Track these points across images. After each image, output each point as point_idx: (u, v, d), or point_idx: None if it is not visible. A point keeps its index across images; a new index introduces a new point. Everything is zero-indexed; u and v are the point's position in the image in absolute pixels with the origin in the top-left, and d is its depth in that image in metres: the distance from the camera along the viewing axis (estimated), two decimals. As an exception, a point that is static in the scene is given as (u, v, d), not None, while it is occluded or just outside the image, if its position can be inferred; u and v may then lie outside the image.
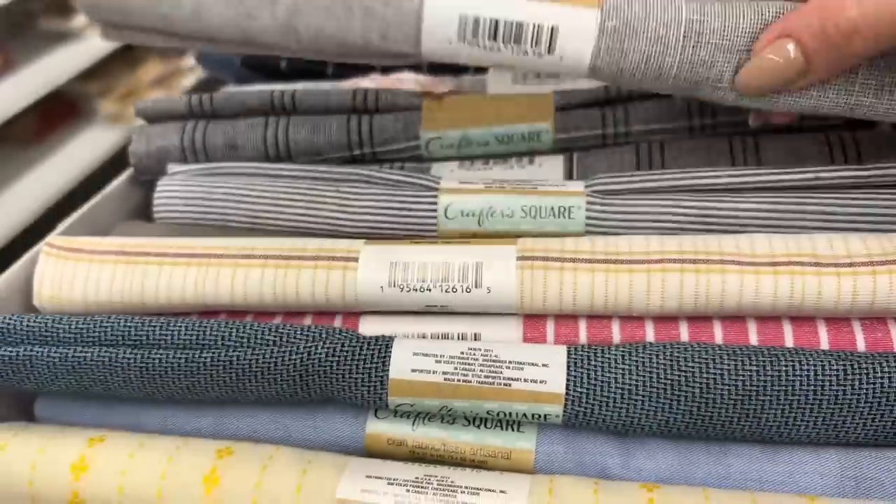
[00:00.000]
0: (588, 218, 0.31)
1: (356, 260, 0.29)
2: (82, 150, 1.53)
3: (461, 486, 0.25)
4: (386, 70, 0.42)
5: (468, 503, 0.24)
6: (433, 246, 0.29)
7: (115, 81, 1.63)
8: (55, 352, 0.27)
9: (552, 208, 0.31)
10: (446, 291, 0.28)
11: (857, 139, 0.32)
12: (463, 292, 0.28)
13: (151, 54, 1.73)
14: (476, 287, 0.28)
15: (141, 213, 0.38)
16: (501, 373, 0.26)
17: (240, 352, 0.27)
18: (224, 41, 0.27)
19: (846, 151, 0.32)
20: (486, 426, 0.27)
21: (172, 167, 0.36)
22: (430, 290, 0.28)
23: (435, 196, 0.32)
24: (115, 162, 1.51)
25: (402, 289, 0.28)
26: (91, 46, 1.47)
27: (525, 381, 0.26)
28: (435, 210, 0.32)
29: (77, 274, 0.30)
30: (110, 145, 1.58)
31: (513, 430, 0.27)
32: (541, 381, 0.26)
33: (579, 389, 0.25)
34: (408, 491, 0.25)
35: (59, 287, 0.30)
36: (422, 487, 0.25)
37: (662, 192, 0.31)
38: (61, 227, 0.34)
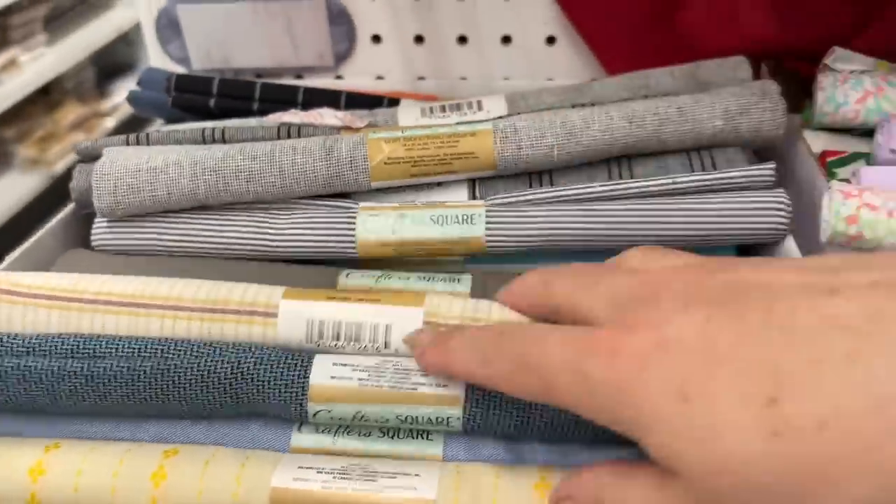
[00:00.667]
0: (487, 223, 0.36)
1: (275, 315, 0.31)
2: (1, 195, 1.51)
3: (381, 472, 0.28)
4: (306, 105, 0.46)
5: (388, 485, 0.28)
6: (346, 304, 0.31)
7: (33, 126, 1.61)
8: (6, 362, 0.30)
9: (457, 216, 0.36)
10: (358, 350, 0.31)
11: (713, 155, 0.38)
12: (373, 351, 0.31)
13: (69, 97, 1.72)
14: (385, 347, 0.30)
15: (83, 245, 0.41)
16: (410, 379, 0.29)
17: (177, 361, 0.30)
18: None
19: (703, 162, 0.38)
20: (398, 436, 0.30)
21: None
22: (343, 347, 0.31)
23: (354, 214, 0.37)
24: (35, 206, 1.50)
25: (318, 345, 0.31)
26: (6, 91, 1.45)
27: (430, 385, 0.29)
28: (354, 225, 0.36)
29: (13, 315, 0.32)
30: (29, 190, 1.56)
31: (423, 438, 0.30)
32: (443, 386, 0.29)
33: (476, 394, 0.29)
34: (335, 478, 0.28)
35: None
36: (347, 474, 0.28)
37: (548, 202, 0.37)
38: (6, 261, 0.37)
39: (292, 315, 0.31)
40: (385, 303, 0.31)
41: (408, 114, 0.44)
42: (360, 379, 0.29)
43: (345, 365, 0.30)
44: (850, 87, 0.40)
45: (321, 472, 0.29)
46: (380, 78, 0.56)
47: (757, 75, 0.46)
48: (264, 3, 0.52)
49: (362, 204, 0.37)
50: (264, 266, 0.36)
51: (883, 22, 0.42)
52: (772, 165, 0.36)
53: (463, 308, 0.31)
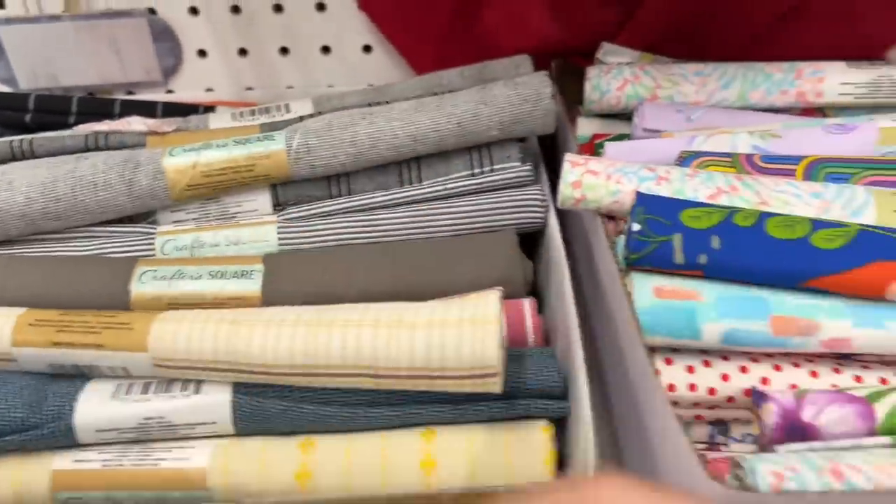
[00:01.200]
0: (280, 239, 0.39)
1: (15, 360, 0.32)
2: None
3: (158, 447, 0.31)
4: (122, 117, 0.47)
5: (163, 457, 0.31)
6: (71, 351, 0.32)
7: None
8: None
9: (251, 236, 0.39)
10: None
11: (492, 152, 0.42)
12: None
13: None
14: None
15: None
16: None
17: None
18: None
19: (482, 161, 0.42)
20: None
21: None
22: None
23: (152, 238, 0.39)
24: None
25: None
26: None
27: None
28: (153, 250, 0.39)
29: None
30: None
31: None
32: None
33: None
34: (115, 455, 0.31)
35: None
36: (125, 451, 0.31)
37: (336, 214, 0.40)
38: None
39: (30, 359, 0.32)
40: (108, 347, 0.31)
41: (219, 119, 0.47)
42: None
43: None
44: (611, 76, 0.45)
45: (102, 452, 0.31)
46: (209, 90, 0.58)
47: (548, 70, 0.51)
48: (86, 21, 0.54)
49: (160, 228, 0.40)
50: (55, 265, 0.37)
51: (637, 20, 0.47)
52: (529, 167, 0.41)
53: (187, 346, 0.31)
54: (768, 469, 0.25)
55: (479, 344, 0.28)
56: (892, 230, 0.31)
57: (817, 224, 0.31)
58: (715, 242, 0.30)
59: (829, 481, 0.25)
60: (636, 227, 0.31)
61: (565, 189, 0.34)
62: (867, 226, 0.31)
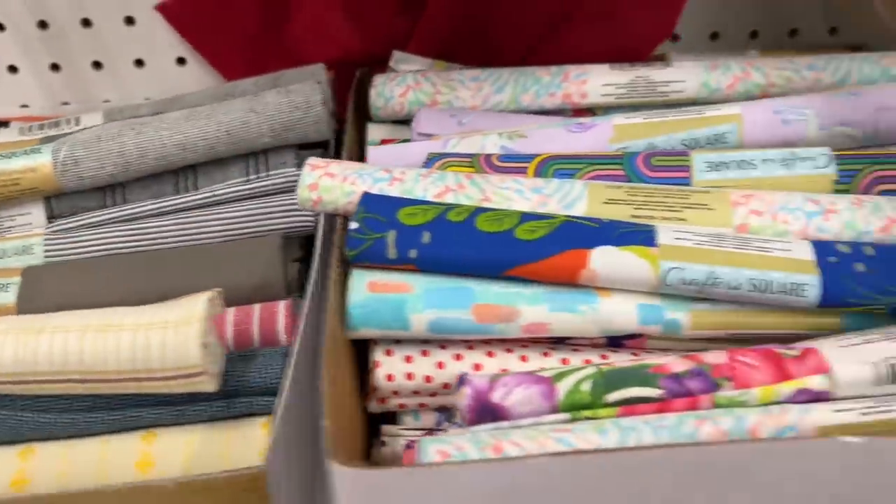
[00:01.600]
0: (46, 251, 0.40)
1: None
2: None
3: None
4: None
5: None
6: None
7: None
8: None
9: (16, 249, 0.40)
10: None
11: (268, 158, 0.43)
12: None
13: None
14: None
15: None
16: None
17: None
18: None
19: (259, 167, 0.43)
20: None
21: None
22: None
23: None
24: None
25: None
26: None
27: None
28: None
29: None
30: None
31: None
32: None
33: None
34: None
35: None
36: None
37: (106, 224, 0.41)
38: None
39: None
40: None
41: (8, 134, 0.47)
42: None
43: None
44: (395, 84, 0.47)
45: None
46: (24, 106, 0.57)
47: (350, 80, 0.52)
48: None
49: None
50: None
51: (422, 28, 0.49)
52: (298, 172, 0.41)
53: None
54: (436, 448, 0.27)
55: (181, 344, 0.29)
56: (593, 220, 0.33)
57: (525, 217, 0.33)
58: (426, 237, 0.32)
59: (488, 456, 0.26)
60: (354, 225, 0.32)
61: (302, 192, 0.35)
62: (572, 217, 0.33)
